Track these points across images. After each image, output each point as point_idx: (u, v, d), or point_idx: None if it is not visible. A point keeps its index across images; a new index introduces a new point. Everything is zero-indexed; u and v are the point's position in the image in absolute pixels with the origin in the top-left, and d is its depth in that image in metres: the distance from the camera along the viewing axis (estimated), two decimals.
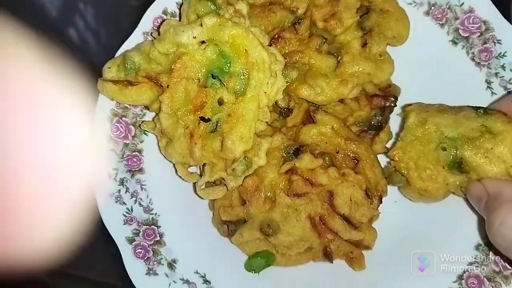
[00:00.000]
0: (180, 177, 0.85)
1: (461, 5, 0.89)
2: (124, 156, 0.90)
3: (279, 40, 0.84)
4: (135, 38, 0.90)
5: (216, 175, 0.83)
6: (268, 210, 0.83)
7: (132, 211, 0.89)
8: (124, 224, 0.88)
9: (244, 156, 0.81)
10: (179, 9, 0.90)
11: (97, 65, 0.88)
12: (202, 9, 0.82)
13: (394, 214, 0.90)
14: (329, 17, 0.86)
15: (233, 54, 0.78)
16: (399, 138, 0.84)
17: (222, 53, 0.78)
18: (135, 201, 0.89)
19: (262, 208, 0.83)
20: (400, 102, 0.89)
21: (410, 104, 0.86)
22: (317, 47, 0.85)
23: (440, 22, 0.90)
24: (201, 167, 0.86)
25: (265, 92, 0.79)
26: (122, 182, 0.89)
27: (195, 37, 0.78)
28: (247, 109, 0.79)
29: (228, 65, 0.78)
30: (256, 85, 0.78)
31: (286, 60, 0.82)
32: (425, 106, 0.85)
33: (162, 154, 0.86)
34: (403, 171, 0.83)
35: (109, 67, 0.84)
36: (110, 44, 1.10)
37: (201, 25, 0.78)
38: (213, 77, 0.80)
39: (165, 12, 0.91)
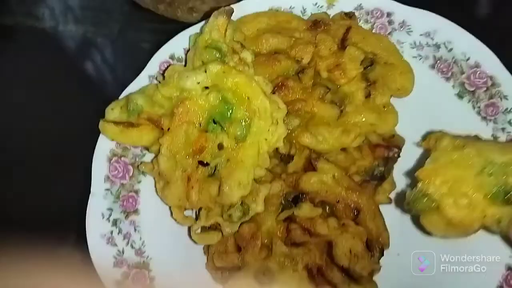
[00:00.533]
0: (175, 220, 0.85)
1: (467, 60, 0.91)
2: (120, 196, 0.89)
3: (283, 88, 0.86)
4: (141, 80, 0.92)
5: (212, 220, 0.83)
6: (264, 259, 0.82)
7: (123, 253, 0.87)
8: (114, 266, 0.87)
9: (241, 202, 0.81)
10: (186, 54, 0.92)
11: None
12: (208, 57, 0.84)
13: (397, 267, 0.86)
14: (334, 68, 0.88)
15: (236, 101, 0.80)
16: (428, 160, 0.76)
17: (224, 99, 0.80)
18: (127, 243, 0.88)
19: (258, 256, 0.82)
20: (404, 153, 0.88)
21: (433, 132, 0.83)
22: (321, 96, 0.86)
23: (446, 76, 0.91)
24: (197, 211, 0.86)
25: (266, 139, 0.80)
26: (115, 223, 0.88)
27: (199, 83, 0.80)
28: (246, 155, 0.80)
29: (230, 111, 0.80)
30: (257, 132, 0.80)
31: (289, 108, 0.84)
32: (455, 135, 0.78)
33: (158, 196, 0.86)
34: (434, 196, 0.74)
35: (112, 108, 0.86)
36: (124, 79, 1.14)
37: (206, 72, 0.80)
38: (214, 122, 0.81)
39: (172, 57, 0.94)
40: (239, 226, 0.82)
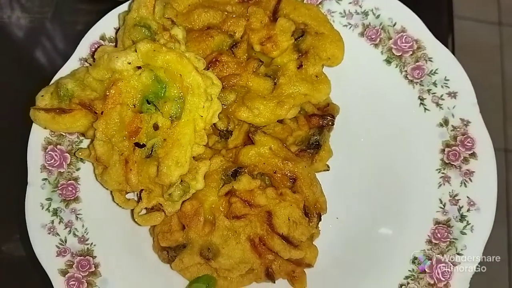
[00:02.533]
0: (117, 204, 0.84)
1: (393, 25, 0.92)
2: (58, 185, 0.87)
3: (217, 63, 0.85)
4: (71, 64, 0.89)
5: (154, 201, 0.82)
6: (208, 234, 0.82)
7: (66, 242, 0.86)
8: (57, 256, 0.85)
9: (181, 181, 0.80)
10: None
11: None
12: (137, 35, 0.82)
13: (337, 230, 0.90)
14: (266, 40, 0.87)
15: (168, 79, 0.78)
16: None
17: (157, 78, 0.79)
18: (70, 231, 0.86)
19: (201, 232, 0.82)
20: (339, 120, 0.90)
21: None
22: (254, 70, 0.86)
23: (374, 43, 0.94)
24: (139, 193, 0.84)
25: (201, 116, 0.79)
26: (55, 212, 0.86)
27: (129, 63, 0.78)
28: (182, 133, 0.79)
29: (164, 90, 0.78)
30: (191, 109, 0.78)
31: (224, 83, 0.84)
32: None
33: (98, 181, 0.84)
34: None
35: (42, 95, 0.83)
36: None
37: (136, 51, 0.78)
38: (148, 102, 0.79)
39: (102, 37, 0.91)
40: (182, 205, 0.81)
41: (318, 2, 0.93)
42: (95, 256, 0.86)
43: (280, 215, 0.81)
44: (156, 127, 0.79)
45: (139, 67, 0.78)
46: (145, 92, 0.79)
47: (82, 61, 0.89)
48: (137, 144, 0.79)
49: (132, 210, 0.85)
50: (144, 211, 0.84)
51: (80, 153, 0.84)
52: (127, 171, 0.79)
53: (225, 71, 0.85)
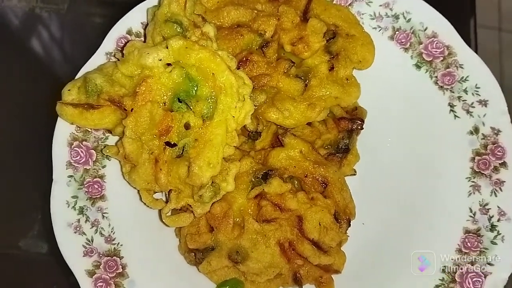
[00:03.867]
0: (145, 204, 0.80)
1: (424, 30, 0.89)
2: (84, 182, 0.83)
3: (247, 63, 0.82)
4: (97, 58, 0.85)
5: (183, 201, 0.78)
6: (237, 237, 0.79)
7: (92, 241, 0.82)
8: (84, 256, 0.82)
9: (212, 182, 0.76)
10: (144, 29, 0.86)
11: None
12: (168, 31, 0.78)
13: (363, 236, 0.87)
14: (297, 41, 0.84)
15: (200, 78, 0.75)
16: None
17: (188, 76, 0.75)
18: (96, 230, 0.83)
19: (230, 235, 0.79)
20: (367, 124, 0.87)
21: None
22: (285, 71, 0.83)
23: (404, 47, 0.91)
24: (167, 193, 0.81)
25: (233, 116, 0.75)
26: (81, 210, 0.83)
27: (160, 60, 0.74)
28: (214, 133, 0.75)
29: (195, 88, 0.75)
30: (224, 109, 0.75)
31: (254, 83, 0.80)
32: None
33: (125, 180, 0.81)
34: None
35: (69, 90, 0.79)
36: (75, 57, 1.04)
37: (167, 48, 0.74)
38: (180, 101, 0.76)
39: (129, 32, 0.87)
40: (211, 206, 0.78)
41: (348, 4, 0.90)
42: (122, 257, 0.83)
43: (311, 220, 0.79)
44: (187, 126, 0.76)
45: (169, 64, 0.74)
46: (176, 90, 0.75)
47: (108, 56, 0.85)
48: (168, 144, 0.76)
49: (159, 211, 0.81)
50: (170, 212, 0.81)
51: (107, 150, 0.81)
52: (157, 171, 0.76)
53: (255, 71, 0.82)
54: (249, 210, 0.81)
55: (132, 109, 0.75)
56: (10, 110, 1.01)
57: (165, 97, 0.76)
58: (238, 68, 0.80)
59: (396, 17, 0.90)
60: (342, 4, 0.90)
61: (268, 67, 0.83)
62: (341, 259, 0.83)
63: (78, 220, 0.83)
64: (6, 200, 1.00)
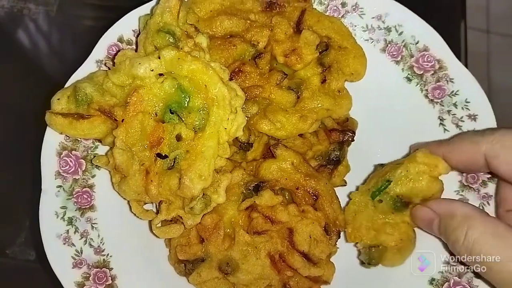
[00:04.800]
0: (135, 214, 0.78)
1: (416, 43, 0.88)
2: (73, 193, 0.81)
3: (240, 73, 0.80)
4: (88, 66, 0.82)
5: (173, 213, 0.76)
6: (227, 248, 0.78)
7: (81, 253, 0.80)
8: (73, 267, 0.79)
9: (203, 194, 0.75)
10: (136, 37, 0.84)
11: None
12: (160, 41, 0.76)
13: (352, 247, 0.86)
14: (290, 53, 0.82)
15: (192, 89, 0.72)
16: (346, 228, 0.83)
17: (180, 87, 0.72)
18: (85, 241, 0.81)
19: (221, 246, 0.77)
20: (358, 136, 0.87)
21: None
22: (278, 82, 0.82)
23: (396, 59, 0.89)
24: (157, 204, 0.79)
25: (225, 128, 0.73)
26: (70, 221, 0.81)
27: (152, 70, 0.71)
28: (206, 145, 0.73)
29: (187, 100, 0.73)
30: (216, 121, 0.73)
31: (246, 95, 0.78)
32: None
33: (115, 190, 0.78)
34: (374, 243, 0.81)
35: (58, 99, 0.76)
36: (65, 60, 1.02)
37: (159, 58, 0.72)
38: (171, 112, 0.74)
39: (120, 39, 0.84)
40: (202, 218, 0.76)
41: (340, 15, 0.89)
42: (112, 268, 0.81)
43: (302, 233, 0.77)
44: (179, 138, 0.74)
45: (161, 74, 0.72)
46: (168, 101, 0.73)
47: (99, 63, 0.83)
48: (159, 155, 0.74)
49: (149, 221, 0.80)
50: (160, 223, 0.79)
51: (97, 160, 0.78)
52: (148, 182, 0.74)
53: (247, 82, 0.80)
54: (240, 222, 0.79)
55: (123, 119, 0.73)
56: None
57: (156, 108, 0.73)
58: (230, 79, 0.78)
59: (388, 29, 0.89)
60: (335, 16, 0.89)
61: (261, 79, 0.81)
62: (330, 270, 0.81)
63: (67, 231, 0.80)
64: None
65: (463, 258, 0.70)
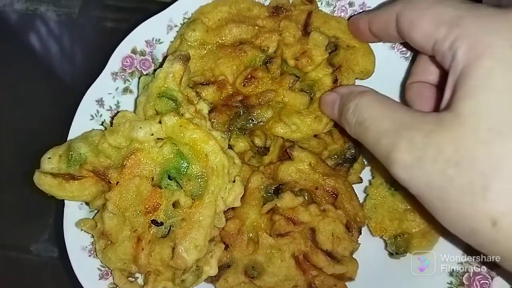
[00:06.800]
0: (117, 285, 0.75)
1: None
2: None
3: (252, 79, 0.77)
4: (104, 79, 0.81)
5: (160, 285, 0.72)
6: (252, 253, 0.76)
7: None
8: (99, 279, 0.79)
9: (196, 266, 0.71)
10: (147, 46, 0.83)
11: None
12: (162, 106, 0.72)
13: (372, 241, 0.86)
14: (300, 55, 0.78)
15: (192, 156, 0.69)
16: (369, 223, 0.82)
17: (179, 153, 0.68)
18: None
19: (245, 251, 0.76)
20: None
21: None
22: (290, 85, 0.79)
23: (405, 56, 0.84)
24: (144, 275, 0.74)
25: (222, 197, 0.69)
26: None
27: (152, 135, 0.68)
28: (204, 214, 0.68)
29: (186, 166, 0.68)
30: (214, 190, 0.68)
31: (260, 100, 0.76)
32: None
33: (97, 257, 0.76)
34: (399, 233, 0.80)
35: (49, 157, 0.70)
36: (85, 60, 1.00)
37: (160, 123, 0.68)
38: (170, 178, 0.69)
39: (134, 51, 0.82)
40: (225, 224, 0.75)
41: (348, 15, 0.84)
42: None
43: (324, 232, 0.76)
44: (175, 205, 0.69)
45: (159, 139, 0.69)
46: (166, 166, 0.68)
47: (114, 76, 0.81)
48: (155, 222, 0.69)
49: None
50: None
51: (82, 224, 0.73)
52: (138, 250, 0.68)
53: (260, 87, 0.78)
54: (262, 225, 0.78)
55: (118, 182, 0.68)
56: (24, 112, 0.97)
57: (153, 172, 0.68)
58: (244, 85, 0.76)
59: None
60: (343, 16, 0.84)
61: (273, 83, 0.78)
62: (354, 266, 0.80)
63: (92, 243, 0.79)
64: (17, 204, 0.97)
65: (351, 130, 0.68)
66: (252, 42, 0.81)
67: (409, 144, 0.56)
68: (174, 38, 0.82)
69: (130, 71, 0.82)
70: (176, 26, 0.82)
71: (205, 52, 0.79)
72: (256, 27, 0.82)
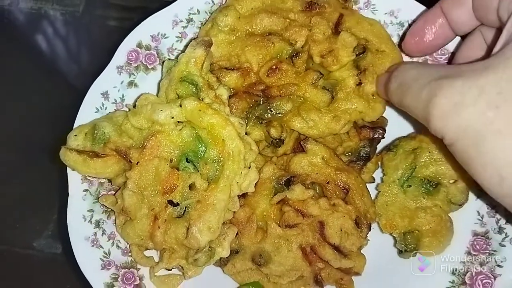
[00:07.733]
0: (134, 260, 0.76)
1: None
2: (100, 196, 0.79)
3: (276, 71, 0.77)
4: (109, 73, 0.81)
5: (175, 262, 0.73)
6: (260, 241, 0.76)
7: (109, 254, 0.79)
8: (102, 269, 0.79)
9: (208, 246, 0.72)
10: (152, 41, 0.83)
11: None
12: (183, 90, 0.73)
13: (381, 238, 0.85)
14: (326, 53, 0.77)
15: (210, 141, 0.70)
16: (380, 220, 0.81)
17: (198, 137, 0.69)
18: (113, 243, 0.80)
19: (254, 239, 0.76)
20: (387, 133, 0.82)
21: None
22: (313, 82, 0.78)
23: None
24: (159, 252, 0.75)
25: (237, 182, 0.70)
26: (98, 224, 0.79)
27: (172, 118, 0.69)
28: (218, 198, 0.69)
29: (204, 150, 0.69)
30: (229, 175, 0.70)
31: (281, 92, 0.76)
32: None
33: (117, 232, 0.77)
34: (409, 230, 0.79)
35: (75, 135, 0.72)
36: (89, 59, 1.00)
37: (181, 106, 0.69)
38: (187, 160, 0.70)
39: (139, 45, 0.82)
40: (235, 212, 0.76)
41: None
42: (139, 268, 0.80)
43: (333, 226, 0.76)
44: (192, 187, 0.70)
45: (180, 122, 0.70)
46: (184, 149, 0.69)
47: (119, 69, 0.81)
48: (171, 202, 0.70)
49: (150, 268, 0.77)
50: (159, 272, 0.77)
51: (104, 200, 0.75)
52: (155, 228, 0.70)
53: (283, 80, 0.77)
54: (272, 215, 0.77)
55: (138, 162, 0.69)
56: (27, 111, 0.96)
57: (172, 154, 0.70)
58: (267, 75, 0.76)
59: (401, 24, 0.83)
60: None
61: (297, 77, 0.77)
62: (361, 261, 0.80)
63: (95, 234, 0.79)
64: (21, 200, 0.96)
65: (393, 97, 0.68)
66: (281, 34, 0.80)
67: (449, 89, 0.55)
68: (206, 21, 0.81)
69: (135, 65, 0.81)
70: (181, 21, 0.82)
71: (234, 38, 0.78)
72: (287, 20, 0.81)
